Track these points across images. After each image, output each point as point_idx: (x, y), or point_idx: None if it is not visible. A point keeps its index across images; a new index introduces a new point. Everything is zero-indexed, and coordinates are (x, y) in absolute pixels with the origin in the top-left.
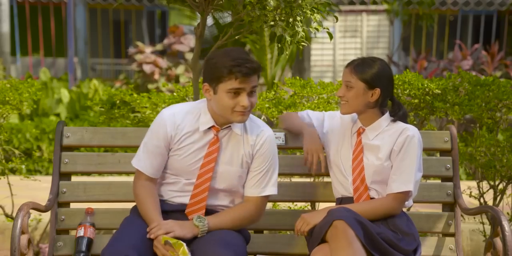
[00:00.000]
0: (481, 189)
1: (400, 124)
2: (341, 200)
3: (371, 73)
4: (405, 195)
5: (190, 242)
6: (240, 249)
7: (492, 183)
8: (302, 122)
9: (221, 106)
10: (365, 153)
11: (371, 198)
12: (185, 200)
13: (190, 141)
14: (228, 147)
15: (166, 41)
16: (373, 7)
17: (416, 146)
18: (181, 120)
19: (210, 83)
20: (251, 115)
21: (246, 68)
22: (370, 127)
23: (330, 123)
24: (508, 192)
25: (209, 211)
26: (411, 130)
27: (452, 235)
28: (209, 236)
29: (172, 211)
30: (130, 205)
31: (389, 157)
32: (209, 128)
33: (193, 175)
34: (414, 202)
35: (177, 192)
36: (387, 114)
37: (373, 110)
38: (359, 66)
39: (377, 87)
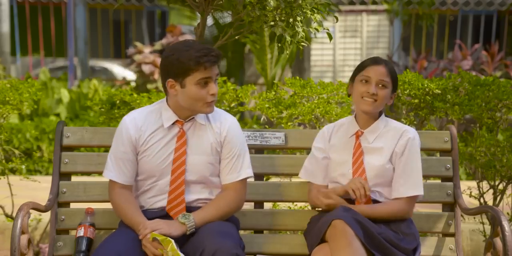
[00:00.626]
0: (481, 189)
1: (396, 124)
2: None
3: (397, 78)
4: (416, 197)
5: (184, 240)
6: (236, 238)
7: (492, 183)
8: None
9: (191, 98)
10: (366, 156)
11: (373, 200)
12: (163, 203)
13: (156, 140)
14: (194, 138)
15: (164, 41)
16: (373, 7)
17: (418, 148)
18: (143, 122)
19: (176, 78)
20: None
21: (213, 57)
22: (369, 129)
23: (323, 145)
24: (508, 192)
25: (192, 209)
26: (411, 132)
27: (452, 235)
28: (204, 228)
29: (156, 218)
30: None
31: (390, 160)
32: (173, 123)
33: (166, 173)
34: None
35: (156, 197)
36: (383, 115)
37: (375, 112)
38: (391, 67)
39: (395, 91)
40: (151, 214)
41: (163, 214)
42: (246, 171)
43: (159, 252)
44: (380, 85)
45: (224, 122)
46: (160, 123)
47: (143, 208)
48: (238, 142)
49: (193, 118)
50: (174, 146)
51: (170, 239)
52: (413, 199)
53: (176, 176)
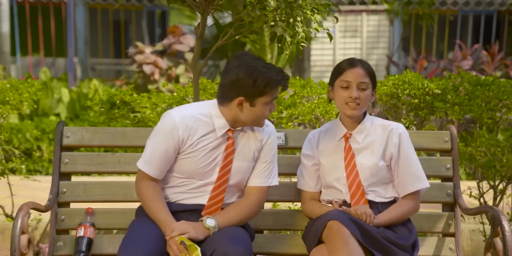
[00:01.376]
0: (481, 189)
1: (382, 122)
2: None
3: (374, 74)
4: (420, 191)
5: (200, 241)
6: (248, 245)
7: (492, 183)
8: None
9: (257, 116)
10: (358, 158)
11: (369, 201)
12: (196, 200)
13: (204, 144)
14: (240, 145)
15: (165, 41)
16: (373, 7)
17: (410, 141)
18: (193, 123)
19: (248, 97)
20: None
21: (287, 80)
22: (357, 130)
23: (311, 152)
24: (508, 192)
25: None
26: (399, 127)
27: (452, 235)
28: (218, 232)
29: (179, 211)
30: (130, 205)
31: (382, 158)
32: (225, 131)
33: (206, 176)
34: None
35: (186, 194)
36: (367, 114)
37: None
38: (368, 67)
39: (375, 88)
40: (176, 207)
41: (188, 210)
42: (274, 180)
43: (183, 255)
44: (360, 88)
45: (266, 129)
46: (211, 128)
47: (167, 200)
48: (274, 150)
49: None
50: (219, 151)
51: (197, 246)
52: (418, 193)
53: (220, 183)
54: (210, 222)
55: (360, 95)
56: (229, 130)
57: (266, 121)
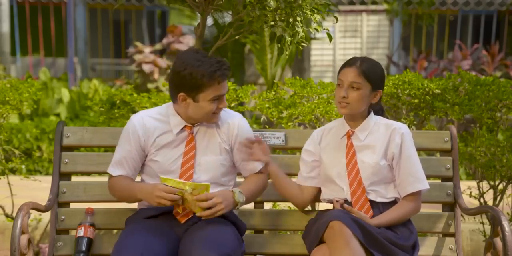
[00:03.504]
0: (481, 189)
1: (386, 121)
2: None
3: (378, 75)
4: (421, 191)
5: (176, 247)
6: (227, 248)
7: (492, 183)
8: None
9: (205, 113)
10: (359, 156)
11: (370, 201)
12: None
13: (165, 142)
14: (204, 140)
15: (165, 41)
16: (373, 7)
17: (412, 142)
18: (151, 124)
19: (188, 93)
20: None
21: (226, 70)
22: (359, 128)
23: (313, 148)
24: (508, 192)
25: None
26: (402, 127)
27: (452, 235)
28: (195, 235)
29: (160, 214)
30: (130, 205)
31: (384, 157)
32: (182, 128)
33: (175, 174)
34: None
35: None
36: (371, 113)
37: (365, 109)
38: (366, 67)
39: (380, 88)
40: (154, 211)
41: (168, 211)
42: (259, 165)
43: (178, 195)
44: (352, 87)
45: (232, 120)
46: (168, 127)
47: (144, 206)
48: (250, 135)
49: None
50: (183, 150)
51: (184, 181)
52: (419, 194)
53: (185, 179)
54: (239, 195)
55: (350, 95)
56: (186, 126)
57: (232, 112)
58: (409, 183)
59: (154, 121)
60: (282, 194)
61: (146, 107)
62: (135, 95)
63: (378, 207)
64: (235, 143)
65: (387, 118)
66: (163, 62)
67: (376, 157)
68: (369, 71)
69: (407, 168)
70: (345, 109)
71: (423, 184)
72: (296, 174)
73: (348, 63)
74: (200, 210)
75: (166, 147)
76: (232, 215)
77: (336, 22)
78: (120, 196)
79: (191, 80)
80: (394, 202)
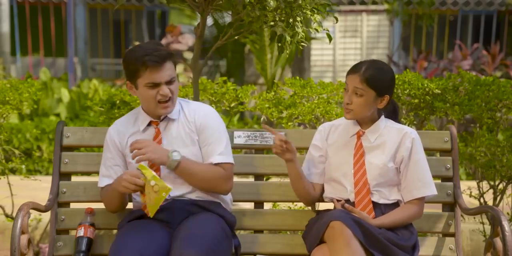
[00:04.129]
0: (481, 189)
1: (397, 125)
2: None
3: (383, 82)
4: (425, 197)
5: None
6: (206, 240)
7: (492, 183)
8: None
9: (146, 101)
10: (368, 157)
11: (373, 202)
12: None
13: None
14: (172, 133)
15: (164, 41)
16: (373, 7)
17: (421, 147)
18: (123, 126)
19: (130, 80)
20: (188, 100)
21: (155, 56)
22: (370, 129)
23: (321, 143)
24: (508, 192)
25: (179, 202)
26: (413, 133)
27: (452, 235)
28: (179, 232)
29: (141, 216)
30: (130, 205)
31: (393, 159)
32: (148, 124)
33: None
34: None
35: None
36: (382, 116)
37: (373, 113)
38: (370, 74)
39: (387, 94)
40: (140, 212)
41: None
42: (217, 157)
43: (141, 181)
44: (356, 94)
45: (198, 111)
46: (137, 126)
47: (134, 209)
48: (212, 126)
49: (166, 116)
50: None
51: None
52: (423, 199)
53: (154, 171)
54: (176, 154)
55: (354, 101)
56: (152, 122)
57: (203, 104)
58: (416, 188)
59: (126, 124)
60: (301, 195)
61: None
62: None
63: (380, 208)
64: (199, 133)
65: (402, 123)
66: None
67: (384, 159)
68: (372, 78)
69: (416, 172)
70: (349, 115)
71: (431, 189)
72: None
73: (353, 69)
74: (152, 209)
75: None
76: (221, 209)
77: (336, 22)
78: (109, 201)
79: (127, 66)
80: (396, 204)
